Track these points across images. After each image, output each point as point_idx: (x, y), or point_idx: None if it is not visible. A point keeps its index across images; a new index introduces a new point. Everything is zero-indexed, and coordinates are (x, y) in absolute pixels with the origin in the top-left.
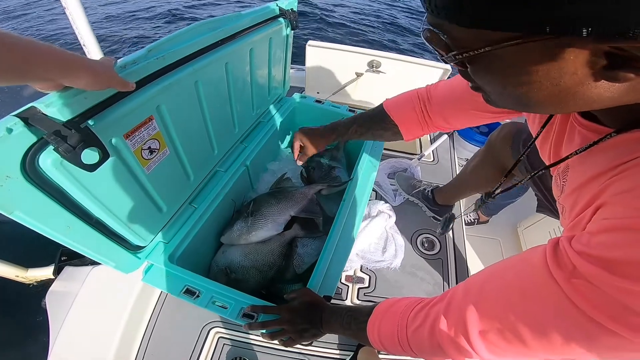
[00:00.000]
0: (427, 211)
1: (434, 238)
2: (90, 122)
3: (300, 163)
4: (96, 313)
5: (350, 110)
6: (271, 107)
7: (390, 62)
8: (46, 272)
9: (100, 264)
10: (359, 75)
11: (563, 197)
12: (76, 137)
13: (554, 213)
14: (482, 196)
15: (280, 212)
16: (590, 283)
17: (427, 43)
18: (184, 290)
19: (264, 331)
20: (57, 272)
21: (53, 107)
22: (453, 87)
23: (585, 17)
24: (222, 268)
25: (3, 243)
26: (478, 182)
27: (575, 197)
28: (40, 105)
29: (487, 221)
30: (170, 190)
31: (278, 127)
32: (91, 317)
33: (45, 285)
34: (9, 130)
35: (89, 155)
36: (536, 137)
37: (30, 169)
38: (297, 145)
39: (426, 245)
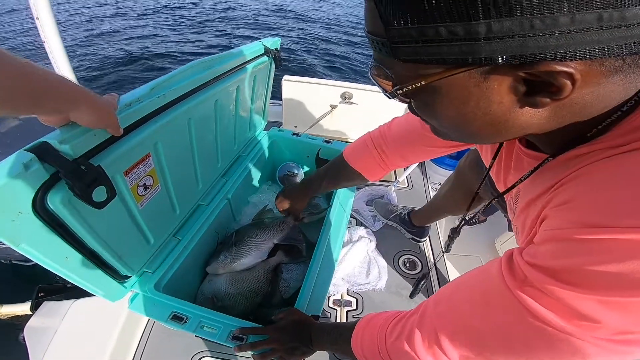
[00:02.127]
0: (405, 233)
1: (415, 258)
2: (99, 160)
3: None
4: (79, 346)
5: (326, 142)
6: (251, 141)
7: (361, 92)
8: (23, 308)
9: (79, 298)
10: (333, 107)
11: (515, 219)
12: (90, 176)
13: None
14: (456, 226)
15: (264, 241)
16: (539, 290)
17: (373, 80)
18: (171, 316)
19: (255, 352)
20: (34, 307)
21: (66, 143)
22: (406, 126)
23: (499, 47)
24: (209, 296)
25: None
26: (451, 207)
27: (524, 216)
28: (52, 141)
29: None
30: (158, 223)
31: (258, 160)
32: (74, 350)
33: (21, 319)
34: (26, 167)
35: (98, 193)
36: (489, 169)
37: (40, 206)
38: (283, 211)
39: (408, 265)
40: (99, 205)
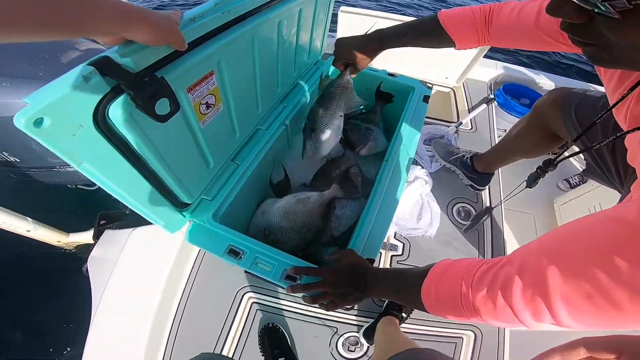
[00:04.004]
0: (464, 179)
1: (471, 208)
2: (162, 74)
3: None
4: (136, 278)
5: (390, 74)
6: (309, 68)
7: None
8: (86, 237)
9: (138, 226)
10: None
11: None
12: (152, 88)
13: (605, 179)
14: (541, 165)
15: (333, 116)
16: None
17: None
18: (228, 250)
19: (305, 294)
20: (97, 236)
21: (127, 57)
22: (520, 18)
23: None
24: (261, 229)
25: (45, 208)
26: (524, 148)
27: None
28: (113, 55)
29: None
30: (218, 145)
31: (315, 89)
32: (131, 281)
33: (85, 250)
34: (86, 79)
35: (161, 106)
36: (615, 105)
37: (101, 119)
38: (341, 65)
39: (462, 215)
40: (162, 119)
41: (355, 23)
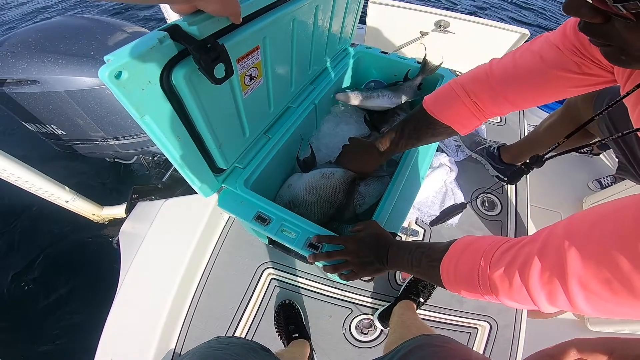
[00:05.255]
0: (490, 169)
1: (495, 199)
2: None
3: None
4: (163, 250)
5: (418, 62)
6: (339, 53)
7: (461, 22)
8: (119, 210)
9: (169, 198)
10: (423, 34)
11: None
12: (214, 53)
13: (638, 177)
14: (526, 162)
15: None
16: None
17: None
18: (256, 216)
19: (326, 263)
20: (129, 209)
21: (193, 25)
22: (521, 66)
23: None
24: (287, 201)
25: (83, 181)
26: (554, 141)
27: None
28: (182, 23)
29: (599, 154)
30: (255, 116)
31: (344, 73)
32: (158, 254)
33: (117, 223)
34: (161, 41)
35: (218, 70)
36: (625, 95)
37: (165, 79)
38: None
39: (487, 205)
40: (219, 81)
41: (384, 15)
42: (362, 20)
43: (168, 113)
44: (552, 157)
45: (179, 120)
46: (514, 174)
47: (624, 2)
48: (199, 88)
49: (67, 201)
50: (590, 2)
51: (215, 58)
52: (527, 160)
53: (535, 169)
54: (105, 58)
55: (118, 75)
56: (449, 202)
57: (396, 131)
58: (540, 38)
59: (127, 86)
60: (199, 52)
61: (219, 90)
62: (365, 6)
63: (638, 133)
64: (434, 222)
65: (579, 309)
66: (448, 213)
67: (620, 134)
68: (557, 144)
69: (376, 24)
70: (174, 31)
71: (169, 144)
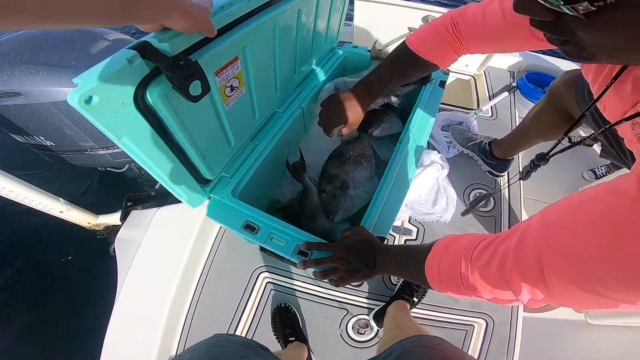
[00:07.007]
0: (482, 165)
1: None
2: (195, 58)
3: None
4: (158, 256)
5: None
6: (325, 55)
7: None
8: (114, 218)
9: (162, 206)
10: (411, 30)
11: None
12: (188, 70)
13: (619, 159)
14: (533, 159)
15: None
16: None
17: None
18: (245, 225)
19: (316, 270)
20: (124, 217)
21: (164, 42)
22: (486, 19)
23: None
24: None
25: (76, 191)
26: (541, 130)
27: None
28: (152, 40)
29: (592, 145)
30: (239, 125)
31: (331, 74)
32: (154, 260)
33: (112, 231)
34: (130, 61)
35: (194, 87)
36: (606, 89)
37: (140, 99)
38: (330, 126)
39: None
40: (194, 99)
41: (373, 11)
42: (350, 18)
43: (147, 132)
44: (555, 154)
45: (158, 138)
46: (525, 172)
47: (572, 4)
48: (176, 105)
49: (61, 212)
50: (540, 1)
51: (190, 75)
52: (533, 158)
53: (542, 166)
54: (74, 81)
55: (88, 101)
56: (442, 200)
57: (381, 72)
58: None
59: (99, 110)
60: (171, 71)
61: (198, 105)
62: (352, 3)
63: (617, 128)
64: (464, 213)
65: (560, 301)
66: (478, 201)
67: (604, 128)
68: (558, 141)
69: (364, 21)
70: (144, 48)
71: (150, 162)
